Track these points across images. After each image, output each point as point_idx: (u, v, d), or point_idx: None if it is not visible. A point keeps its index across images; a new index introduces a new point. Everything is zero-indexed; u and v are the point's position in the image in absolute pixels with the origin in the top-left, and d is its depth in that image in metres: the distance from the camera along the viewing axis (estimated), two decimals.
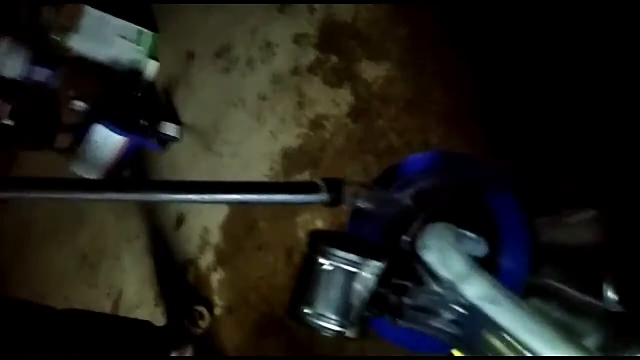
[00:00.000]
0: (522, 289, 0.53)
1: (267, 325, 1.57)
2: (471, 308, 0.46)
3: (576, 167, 1.06)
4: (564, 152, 1.11)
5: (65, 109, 1.95)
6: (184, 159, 1.94)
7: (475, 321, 0.46)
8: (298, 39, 1.71)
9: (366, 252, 0.50)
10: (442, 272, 0.45)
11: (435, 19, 1.41)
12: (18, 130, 1.90)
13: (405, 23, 1.46)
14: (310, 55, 1.66)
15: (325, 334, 0.51)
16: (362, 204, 0.55)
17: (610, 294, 0.52)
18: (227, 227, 1.75)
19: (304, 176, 1.52)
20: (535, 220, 0.59)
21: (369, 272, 0.50)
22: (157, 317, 1.81)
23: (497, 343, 0.45)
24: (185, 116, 2.00)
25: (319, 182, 0.54)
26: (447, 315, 0.49)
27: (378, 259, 0.50)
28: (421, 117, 1.42)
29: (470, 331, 0.47)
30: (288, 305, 0.53)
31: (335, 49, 1.60)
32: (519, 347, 0.44)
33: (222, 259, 1.74)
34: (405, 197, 0.59)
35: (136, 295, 1.93)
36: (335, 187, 0.54)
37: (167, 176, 1.93)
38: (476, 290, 0.43)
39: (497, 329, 0.44)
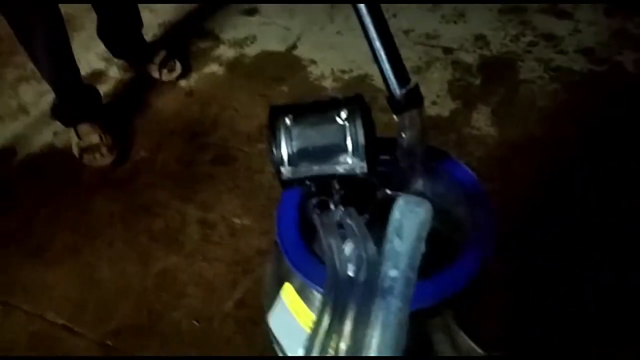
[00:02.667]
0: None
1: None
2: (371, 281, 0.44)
3: None
4: None
5: None
6: None
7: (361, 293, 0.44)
8: None
9: (371, 155, 0.48)
10: (394, 233, 0.43)
11: None
12: None
13: None
14: None
15: (272, 148, 0.49)
16: (404, 133, 0.53)
17: None
18: None
19: None
20: None
21: (354, 162, 0.48)
22: None
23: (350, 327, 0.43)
24: None
25: (415, 85, 0.51)
26: (349, 264, 0.47)
27: (370, 169, 0.48)
28: None
29: (346, 296, 0.45)
30: (279, 105, 0.51)
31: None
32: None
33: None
34: (420, 172, 0.57)
35: None
36: (414, 99, 0.51)
37: None
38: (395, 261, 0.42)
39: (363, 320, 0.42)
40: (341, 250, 0.46)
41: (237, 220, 1.38)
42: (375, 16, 0.52)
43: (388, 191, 0.53)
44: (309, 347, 0.40)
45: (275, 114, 0.49)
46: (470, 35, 1.77)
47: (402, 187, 0.54)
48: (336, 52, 1.78)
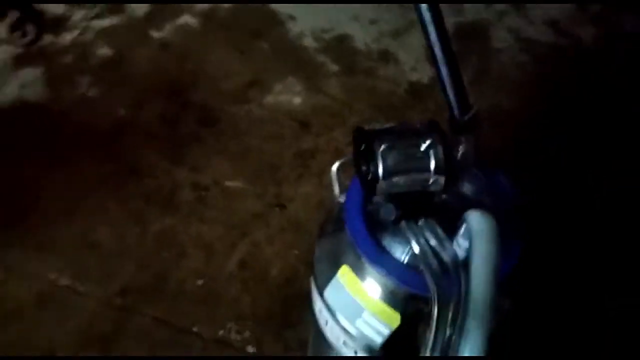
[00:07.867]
0: None
1: None
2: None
3: None
4: None
5: None
6: None
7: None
8: None
9: (452, 173, 0.63)
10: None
11: None
12: None
13: None
14: None
15: (368, 167, 0.63)
16: (460, 149, 0.68)
17: None
18: None
19: None
20: None
21: (435, 180, 0.63)
22: None
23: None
24: None
25: (476, 110, 0.66)
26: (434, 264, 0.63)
27: (447, 186, 0.63)
28: None
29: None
30: (366, 129, 0.65)
31: None
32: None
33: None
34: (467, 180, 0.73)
35: None
36: (472, 125, 0.66)
37: None
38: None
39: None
40: (436, 257, 0.61)
41: (229, 183, 1.49)
42: (444, 46, 0.66)
43: (444, 195, 0.69)
44: (433, 346, 0.57)
45: (367, 139, 0.63)
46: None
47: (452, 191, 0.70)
48: (315, 8, 1.87)
